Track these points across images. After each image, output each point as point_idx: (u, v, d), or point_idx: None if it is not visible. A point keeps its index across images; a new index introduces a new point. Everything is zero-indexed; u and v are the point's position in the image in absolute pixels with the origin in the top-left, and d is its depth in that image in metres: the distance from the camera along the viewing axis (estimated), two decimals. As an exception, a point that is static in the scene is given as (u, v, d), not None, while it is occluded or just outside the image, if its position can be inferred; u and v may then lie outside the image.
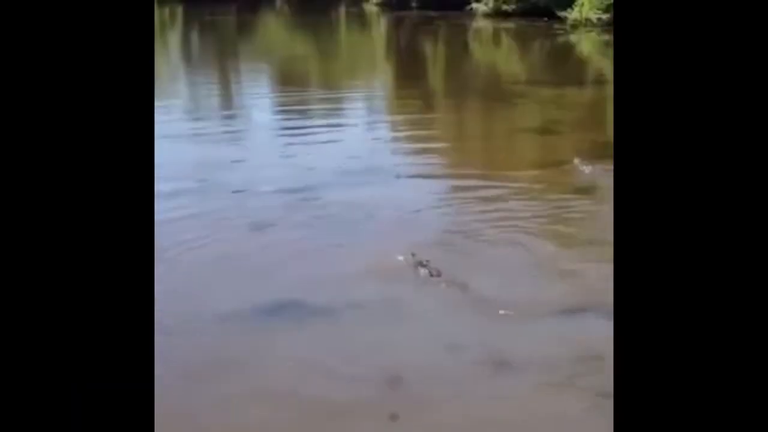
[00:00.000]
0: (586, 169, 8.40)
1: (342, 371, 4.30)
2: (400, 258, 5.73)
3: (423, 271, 5.52)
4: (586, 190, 7.67)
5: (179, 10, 43.11)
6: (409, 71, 19.87)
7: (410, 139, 11.06)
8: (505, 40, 28.42)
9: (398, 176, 8.48)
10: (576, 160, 8.63)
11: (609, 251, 5.92)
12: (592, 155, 8.75)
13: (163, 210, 6.97)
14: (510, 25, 30.21)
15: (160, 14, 41.60)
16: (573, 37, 26.34)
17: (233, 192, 7.92)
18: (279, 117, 13.27)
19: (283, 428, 3.90)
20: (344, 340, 4.74)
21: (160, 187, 7.52)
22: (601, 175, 7.94)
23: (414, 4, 39.08)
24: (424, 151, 10.04)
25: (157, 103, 13.98)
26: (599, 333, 3.99)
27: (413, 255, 5.69)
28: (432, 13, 34.47)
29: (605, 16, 27.23)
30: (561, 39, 26.15)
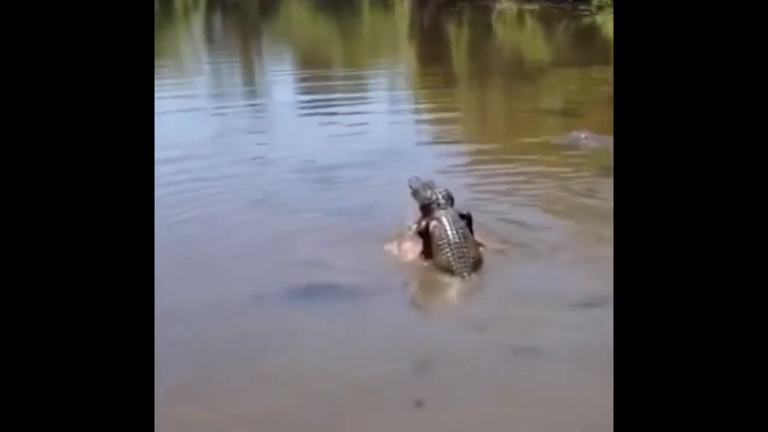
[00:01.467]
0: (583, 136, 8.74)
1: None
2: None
3: None
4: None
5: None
6: (432, 52, 19.76)
7: (430, 118, 11.07)
8: (530, 21, 28.14)
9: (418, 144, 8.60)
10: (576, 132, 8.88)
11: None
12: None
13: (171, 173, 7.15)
14: (534, 6, 29.91)
15: (183, -2, 41.70)
16: (598, 18, 26.02)
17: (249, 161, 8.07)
18: (301, 95, 13.28)
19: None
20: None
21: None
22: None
23: (437, -14, 38.78)
24: (444, 128, 10.05)
25: (179, 81, 14.09)
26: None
27: None
28: (455, -5, 34.26)
29: (631, -3, 26.81)
30: (586, 20, 25.87)
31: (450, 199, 5.56)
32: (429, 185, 5.67)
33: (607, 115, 10.25)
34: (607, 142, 8.17)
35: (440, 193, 5.55)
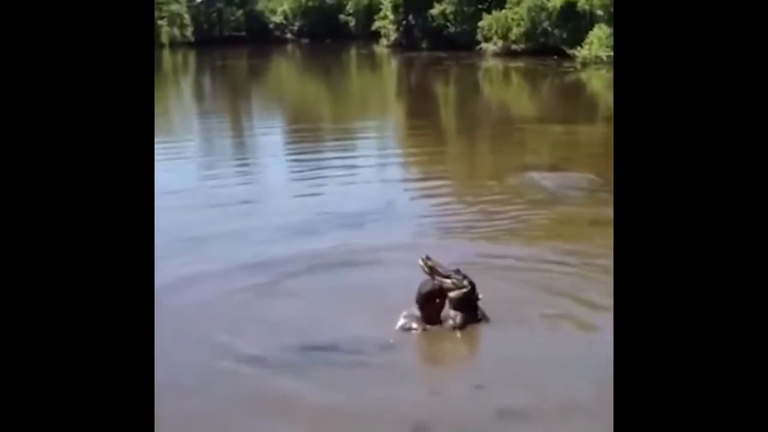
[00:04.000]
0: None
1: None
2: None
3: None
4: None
5: (191, 55, 43.72)
6: (420, 111, 19.95)
7: (420, 178, 11.12)
8: (516, 78, 28.59)
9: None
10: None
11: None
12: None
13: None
14: (520, 63, 30.42)
15: (172, 60, 42.18)
16: (583, 75, 26.44)
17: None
18: (289, 153, 13.36)
19: None
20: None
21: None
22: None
23: (424, 45, 39.45)
24: (432, 184, 10.12)
25: (169, 143, 14.14)
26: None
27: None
28: (442, 54, 34.77)
29: (615, 54, 27.37)
30: (571, 77, 26.27)
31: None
32: (462, 275, 5.20)
33: (593, 169, 10.38)
34: (567, 179, 8.50)
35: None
